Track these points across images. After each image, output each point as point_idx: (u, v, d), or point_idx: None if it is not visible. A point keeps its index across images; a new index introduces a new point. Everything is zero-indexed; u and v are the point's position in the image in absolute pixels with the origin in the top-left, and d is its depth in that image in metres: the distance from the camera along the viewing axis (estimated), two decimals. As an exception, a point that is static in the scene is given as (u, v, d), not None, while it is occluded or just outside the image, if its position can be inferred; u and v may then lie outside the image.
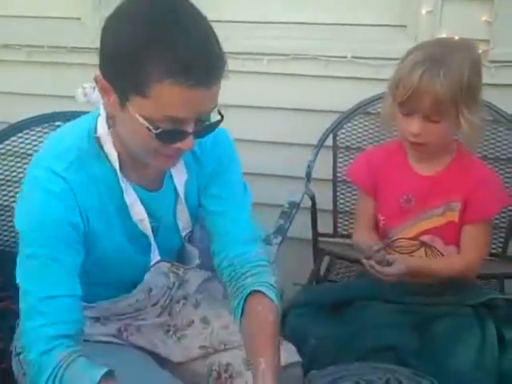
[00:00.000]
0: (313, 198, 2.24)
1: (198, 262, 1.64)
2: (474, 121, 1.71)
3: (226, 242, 1.56)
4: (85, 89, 1.44)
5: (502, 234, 2.14)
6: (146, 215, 1.46)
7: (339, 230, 2.30)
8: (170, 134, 1.26)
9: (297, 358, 1.59)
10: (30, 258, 1.34)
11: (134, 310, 1.61)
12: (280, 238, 1.98)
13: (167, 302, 1.67)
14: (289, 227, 2.07)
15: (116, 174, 1.40)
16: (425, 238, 1.86)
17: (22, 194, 1.40)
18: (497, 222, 2.11)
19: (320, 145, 2.22)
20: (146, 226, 1.48)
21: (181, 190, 1.51)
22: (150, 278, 1.55)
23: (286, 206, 2.15)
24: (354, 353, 1.71)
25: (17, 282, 1.36)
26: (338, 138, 2.23)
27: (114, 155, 1.39)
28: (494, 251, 2.14)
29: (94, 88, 1.39)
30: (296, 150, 2.47)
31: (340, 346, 1.75)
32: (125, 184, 1.42)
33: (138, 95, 1.22)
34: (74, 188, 1.35)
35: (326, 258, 2.33)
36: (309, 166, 2.23)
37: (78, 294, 1.37)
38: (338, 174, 2.24)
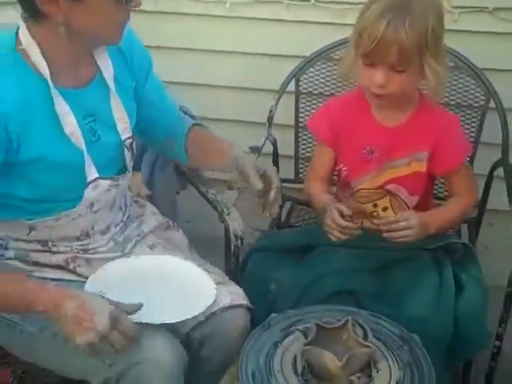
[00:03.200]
0: (274, 144, 2.23)
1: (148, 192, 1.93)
2: (438, 69, 1.70)
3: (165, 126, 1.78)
4: None
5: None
6: (78, 128, 1.49)
7: (300, 175, 2.29)
8: None
9: (242, 300, 1.62)
10: None
11: (80, 234, 1.60)
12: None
13: (121, 238, 1.67)
14: (250, 172, 2.06)
15: (45, 84, 1.43)
16: (389, 187, 1.87)
17: None
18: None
19: (282, 90, 2.20)
20: (78, 139, 1.49)
21: (111, 83, 1.57)
22: (90, 193, 1.55)
23: (248, 150, 2.14)
24: (314, 297, 1.72)
25: None
26: (300, 84, 2.21)
27: (43, 64, 1.42)
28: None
29: None
30: (258, 95, 2.45)
31: (301, 290, 1.76)
32: (55, 94, 1.44)
33: None
34: None
35: (287, 204, 2.34)
36: (271, 112, 2.21)
37: None
38: (300, 120, 2.23)
